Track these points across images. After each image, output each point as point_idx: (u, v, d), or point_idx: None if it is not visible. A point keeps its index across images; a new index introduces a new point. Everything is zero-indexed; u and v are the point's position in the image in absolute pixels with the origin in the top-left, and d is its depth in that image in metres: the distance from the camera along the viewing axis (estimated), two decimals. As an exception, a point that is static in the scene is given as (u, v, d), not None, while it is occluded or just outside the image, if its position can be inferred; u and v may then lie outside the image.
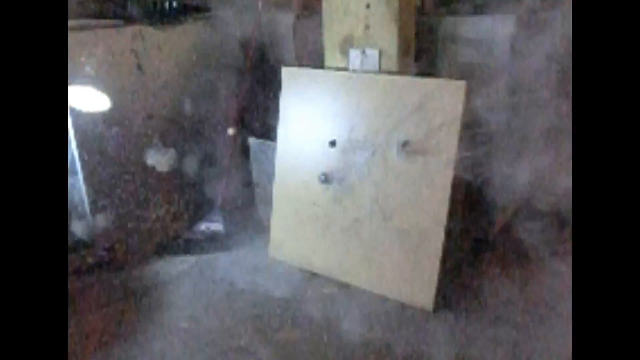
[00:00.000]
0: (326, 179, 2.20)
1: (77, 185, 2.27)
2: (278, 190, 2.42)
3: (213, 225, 2.66)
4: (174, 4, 2.50)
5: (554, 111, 2.33)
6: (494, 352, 1.81)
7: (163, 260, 2.51)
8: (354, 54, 2.17)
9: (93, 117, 2.23)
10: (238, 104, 2.66)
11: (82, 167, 2.23)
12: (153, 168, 2.49)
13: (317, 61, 2.39)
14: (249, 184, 2.76)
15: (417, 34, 2.20)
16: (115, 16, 2.46)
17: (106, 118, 2.27)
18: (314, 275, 2.32)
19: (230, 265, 2.44)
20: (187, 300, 2.19)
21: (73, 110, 2.15)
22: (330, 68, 2.27)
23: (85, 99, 2.19)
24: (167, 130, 2.53)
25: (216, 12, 2.67)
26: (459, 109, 1.89)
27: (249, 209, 2.80)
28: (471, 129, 2.09)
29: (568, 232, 2.41)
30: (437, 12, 2.50)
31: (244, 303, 2.16)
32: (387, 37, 2.08)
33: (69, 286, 2.25)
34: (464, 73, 2.24)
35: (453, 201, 1.95)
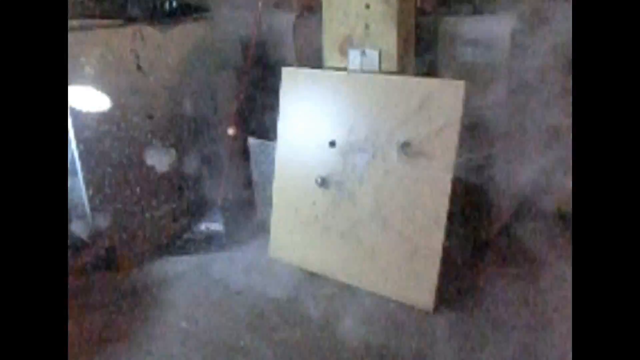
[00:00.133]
0: (323, 182, 2.20)
1: (77, 185, 2.27)
2: (278, 190, 2.42)
3: (213, 225, 2.66)
4: (174, 4, 2.50)
5: (555, 111, 2.33)
6: (494, 352, 1.81)
7: (163, 260, 2.51)
8: (354, 54, 2.17)
9: (93, 117, 2.23)
10: (238, 104, 2.66)
11: (82, 167, 2.23)
12: (153, 168, 2.49)
13: (317, 61, 2.39)
14: (249, 184, 2.77)
15: (417, 34, 2.20)
16: (115, 16, 2.46)
17: (106, 118, 2.27)
18: (313, 275, 2.32)
19: (230, 265, 2.44)
20: (187, 300, 2.19)
21: (73, 110, 2.15)
22: (330, 68, 2.27)
23: (85, 99, 2.19)
24: (167, 130, 2.53)
25: (216, 12, 2.67)
26: (459, 108, 1.89)
27: (249, 209, 2.80)
28: (471, 129, 2.09)
29: (569, 232, 2.41)
30: (437, 12, 2.50)
31: (244, 303, 2.16)
32: (387, 37, 2.08)
33: (69, 286, 2.25)
34: (464, 73, 2.24)
35: (453, 201, 1.95)
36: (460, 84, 1.89)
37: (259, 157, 2.63)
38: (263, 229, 2.62)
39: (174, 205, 2.64)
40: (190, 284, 2.31)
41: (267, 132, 2.56)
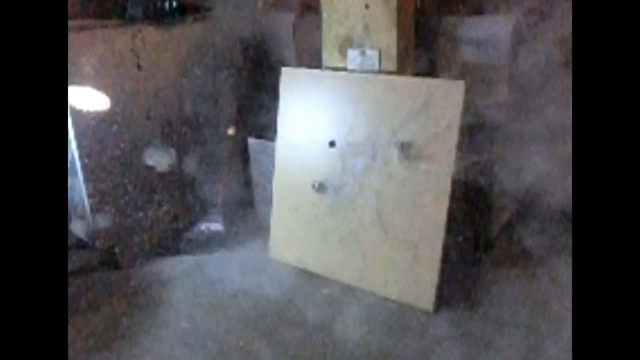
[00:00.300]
0: (319, 187, 2.20)
1: (77, 185, 2.27)
2: (278, 190, 2.42)
3: (213, 225, 2.66)
4: (174, 4, 2.50)
5: (555, 110, 2.33)
6: (496, 352, 1.81)
7: (163, 260, 2.51)
8: (353, 54, 2.17)
9: (93, 117, 2.23)
10: (238, 104, 2.66)
11: (82, 167, 2.23)
12: (153, 168, 2.49)
13: (316, 61, 2.39)
14: (248, 184, 2.77)
15: (417, 34, 2.20)
16: (116, 16, 2.46)
17: (106, 118, 2.27)
18: (313, 275, 2.32)
19: (229, 265, 2.44)
20: (187, 300, 2.19)
21: (73, 110, 2.15)
22: (329, 68, 2.27)
23: (85, 99, 2.19)
24: (167, 130, 2.53)
25: (216, 12, 2.67)
26: (459, 108, 1.89)
27: (249, 209, 2.80)
28: (471, 129, 2.09)
29: (569, 232, 2.41)
30: (437, 12, 2.50)
31: (244, 303, 2.16)
32: (387, 37, 2.08)
33: (68, 286, 2.25)
34: (464, 73, 2.24)
35: (453, 201, 1.95)
36: (460, 84, 1.88)
37: (258, 157, 2.63)
38: (263, 229, 2.61)
39: (174, 205, 2.64)
40: (190, 284, 2.31)
41: (267, 132, 2.56)
